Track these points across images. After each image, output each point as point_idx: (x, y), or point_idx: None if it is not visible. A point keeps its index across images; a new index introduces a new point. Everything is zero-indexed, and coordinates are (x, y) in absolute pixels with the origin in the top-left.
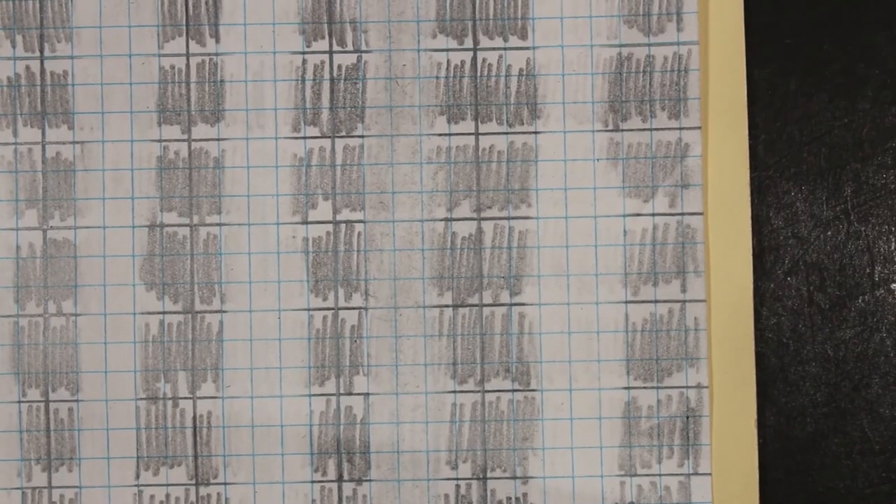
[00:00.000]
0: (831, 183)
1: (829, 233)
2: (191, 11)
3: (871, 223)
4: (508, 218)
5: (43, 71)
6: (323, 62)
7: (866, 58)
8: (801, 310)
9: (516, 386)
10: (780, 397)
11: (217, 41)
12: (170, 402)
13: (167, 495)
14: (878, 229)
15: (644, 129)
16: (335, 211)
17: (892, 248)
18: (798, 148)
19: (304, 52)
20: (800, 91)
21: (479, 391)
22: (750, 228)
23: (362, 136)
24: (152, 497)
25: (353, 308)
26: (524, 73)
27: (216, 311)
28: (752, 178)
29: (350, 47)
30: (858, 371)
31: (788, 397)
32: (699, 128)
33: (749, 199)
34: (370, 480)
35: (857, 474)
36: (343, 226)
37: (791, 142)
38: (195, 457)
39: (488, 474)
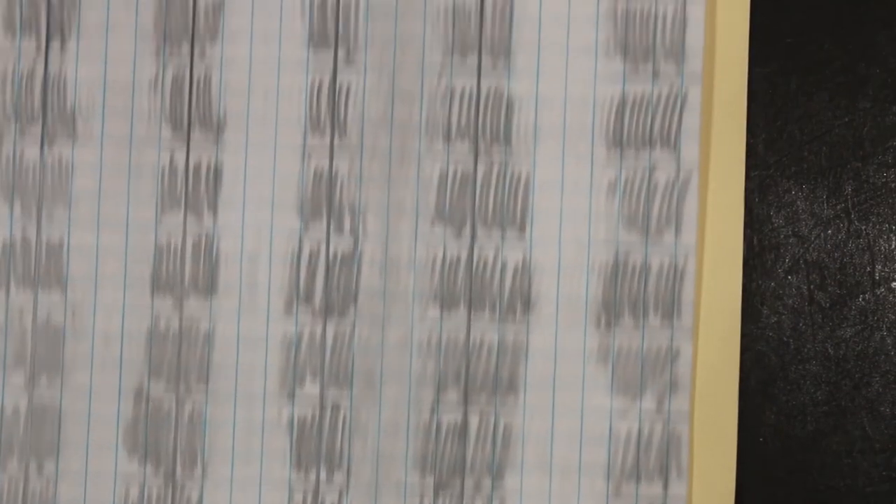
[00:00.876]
0: (832, 182)
1: (830, 231)
2: (190, 187)
3: (872, 222)
4: (495, 407)
5: (39, 238)
6: (319, 244)
7: (867, 57)
8: (802, 308)
9: None
10: (781, 396)
11: (215, 217)
12: None
13: None
14: (879, 228)
15: (636, 331)
16: (322, 391)
17: (893, 246)
18: (798, 147)
19: (301, 234)
20: (800, 90)
21: None
22: (735, 435)
23: (354, 320)
24: None
25: (334, 487)
26: (519, 267)
27: (197, 480)
28: (752, 177)
29: (347, 232)
30: (859, 370)
31: (789, 396)
32: (691, 333)
33: (737, 404)
34: None
35: (857, 473)
36: (329, 406)
37: (791, 141)
38: None
39: None
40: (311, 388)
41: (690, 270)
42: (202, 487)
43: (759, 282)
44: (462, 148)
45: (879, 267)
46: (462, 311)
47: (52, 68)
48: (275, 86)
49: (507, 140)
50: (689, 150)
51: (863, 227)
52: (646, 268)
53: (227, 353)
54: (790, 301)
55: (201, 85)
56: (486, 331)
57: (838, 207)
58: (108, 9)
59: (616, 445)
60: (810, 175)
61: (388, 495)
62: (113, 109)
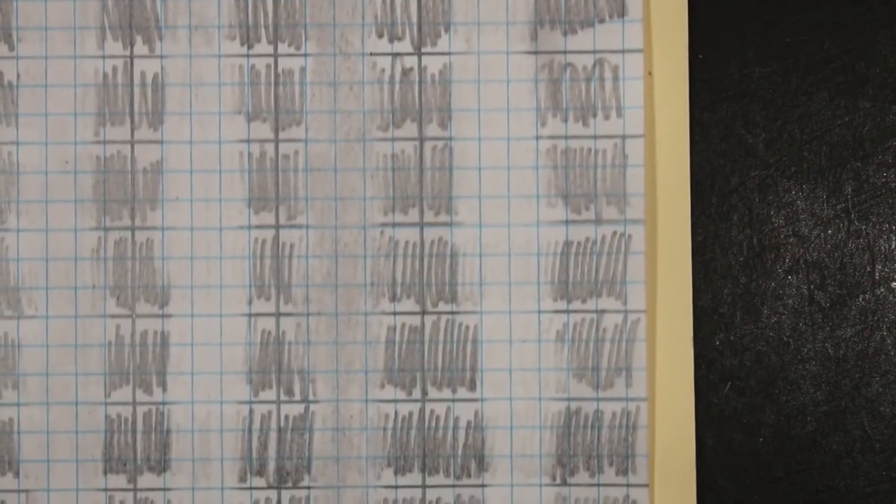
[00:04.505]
0: (832, 181)
1: (830, 231)
2: (137, 360)
3: (872, 222)
4: None
5: None
6: (270, 412)
7: (867, 56)
8: (802, 308)
9: None
10: (781, 396)
11: (164, 390)
12: None
13: None
14: (879, 228)
15: (592, 485)
16: None
17: (893, 246)
18: (798, 146)
19: (251, 402)
20: (800, 90)
21: None
22: None
23: (309, 488)
24: None
25: None
26: (472, 425)
27: None
28: (752, 177)
29: (298, 397)
30: (859, 370)
31: (789, 396)
32: (646, 485)
33: None
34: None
35: (857, 473)
36: None
37: (791, 140)
38: None
39: None
40: None
41: (643, 419)
42: None
43: (759, 282)
44: (408, 305)
45: (879, 267)
46: (416, 473)
47: None
48: (217, 251)
49: (453, 294)
50: (636, 294)
51: (863, 227)
52: (598, 420)
53: None
54: (790, 301)
55: (143, 254)
56: (442, 493)
57: (838, 207)
58: (46, 182)
59: None
60: (810, 175)
61: None
62: (57, 284)
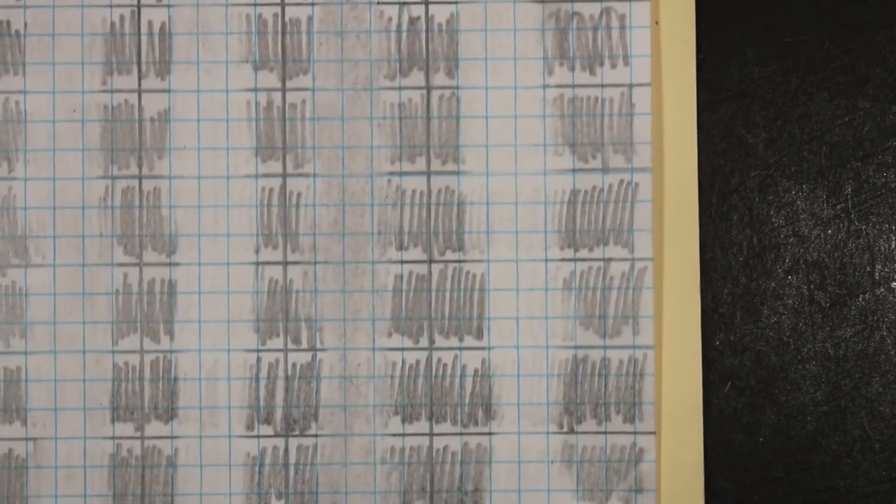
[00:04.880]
0: (832, 181)
1: (830, 231)
2: (145, 308)
3: (872, 222)
4: None
5: None
6: (277, 360)
7: (867, 56)
8: (802, 308)
9: None
10: (781, 396)
11: (171, 338)
12: None
13: None
14: (879, 228)
15: (599, 433)
16: None
17: (893, 246)
18: (798, 146)
19: (258, 350)
20: (800, 90)
21: None
22: None
23: (316, 436)
24: None
25: None
26: (479, 373)
27: None
28: (752, 177)
29: (305, 345)
30: (859, 369)
31: (789, 396)
32: (653, 433)
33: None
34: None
35: (857, 473)
36: None
37: (791, 140)
38: None
39: None
40: None
41: (650, 367)
42: None
43: (759, 282)
44: (415, 254)
45: (879, 267)
46: (423, 421)
47: (1, 194)
48: (225, 199)
49: (461, 243)
50: (642, 243)
51: (863, 227)
52: (605, 367)
53: (191, 478)
54: (790, 301)
55: (151, 202)
56: (449, 441)
57: (838, 207)
58: (53, 131)
59: None
60: (810, 175)
61: None
62: (64, 232)
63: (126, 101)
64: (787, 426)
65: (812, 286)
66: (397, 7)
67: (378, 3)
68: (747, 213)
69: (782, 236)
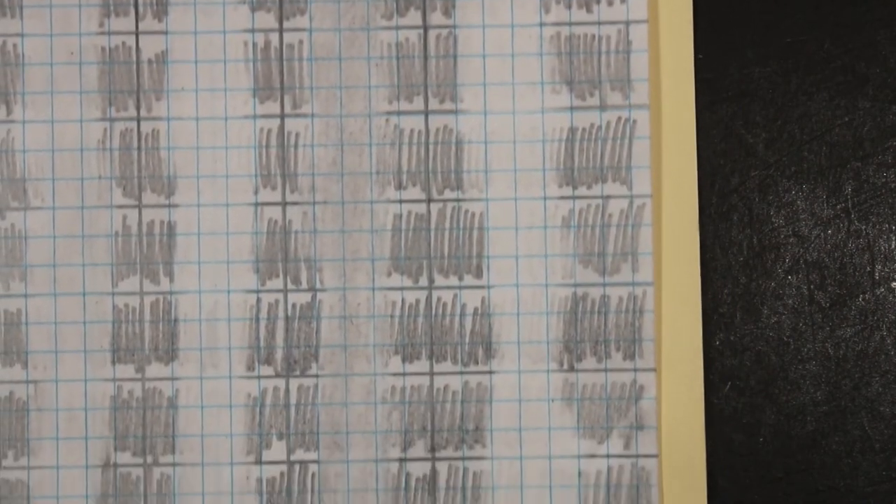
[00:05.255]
0: (832, 181)
1: (830, 231)
2: (144, 250)
3: (872, 222)
4: (463, 459)
5: None
6: (277, 301)
7: (867, 56)
8: (802, 308)
9: None
10: (781, 396)
11: (171, 280)
12: None
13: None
14: (879, 228)
15: (599, 370)
16: (289, 451)
17: (893, 246)
18: (798, 146)
19: (258, 291)
20: (800, 90)
21: None
22: (705, 471)
23: (317, 376)
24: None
25: None
26: (479, 312)
27: None
28: (752, 177)
29: (305, 286)
30: (859, 369)
31: (789, 396)
32: (654, 369)
33: (704, 441)
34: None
35: (857, 473)
36: (297, 466)
37: (791, 140)
38: None
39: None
40: (277, 449)
41: (649, 304)
42: None
43: (759, 282)
44: (414, 193)
45: (879, 267)
46: (424, 360)
47: None
48: (223, 140)
49: (459, 182)
50: (641, 180)
51: (863, 227)
52: (605, 305)
53: (191, 419)
54: (790, 301)
55: (149, 144)
56: (450, 380)
57: (838, 207)
58: (51, 73)
59: (585, 490)
60: (810, 175)
61: None
62: (63, 175)
63: (123, 42)
64: (787, 426)
65: (812, 286)
66: None
67: None
68: (747, 213)
69: (782, 236)
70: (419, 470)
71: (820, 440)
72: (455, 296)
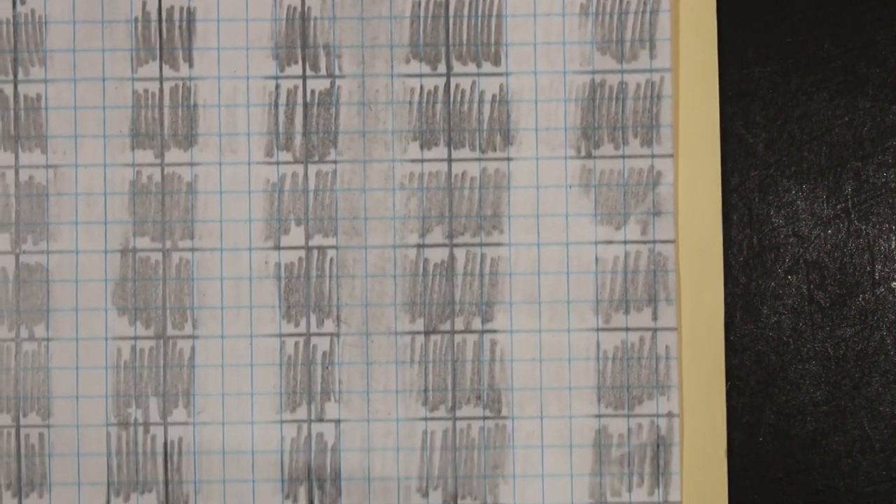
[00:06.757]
0: (832, 181)
1: (830, 231)
2: (164, 36)
3: (872, 221)
4: (481, 244)
5: (17, 94)
6: (296, 87)
7: (867, 56)
8: (802, 308)
9: (487, 413)
10: (780, 396)
11: (190, 66)
12: (141, 428)
13: None
14: (879, 228)
15: (616, 157)
16: (308, 236)
17: (893, 246)
18: (798, 146)
19: (277, 77)
20: (800, 89)
21: (450, 418)
22: (721, 257)
23: (335, 162)
24: None
25: (325, 334)
26: (497, 99)
27: (188, 337)
28: (752, 177)
29: (323, 72)
30: (859, 369)
31: (788, 396)
32: (671, 155)
33: (721, 226)
34: None
35: (857, 473)
36: (315, 251)
37: (791, 140)
38: (166, 483)
39: (458, 502)
40: (296, 235)
41: (667, 90)
42: (193, 343)
43: (759, 282)
44: None
45: (879, 267)
46: (442, 147)
47: None
48: None
49: None
50: None
51: (863, 227)
52: (622, 91)
53: (210, 204)
54: (790, 301)
55: None
56: (468, 166)
57: (838, 207)
58: None
59: (603, 276)
60: (810, 175)
61: (380, 341)
62: None
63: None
64: (787, 426)
65: (812, 286)
66: None
67: None
68: (747, 213)
69: (782, 236)
70: (437, 256)
71: (820, 440)
72: (473, 82)
